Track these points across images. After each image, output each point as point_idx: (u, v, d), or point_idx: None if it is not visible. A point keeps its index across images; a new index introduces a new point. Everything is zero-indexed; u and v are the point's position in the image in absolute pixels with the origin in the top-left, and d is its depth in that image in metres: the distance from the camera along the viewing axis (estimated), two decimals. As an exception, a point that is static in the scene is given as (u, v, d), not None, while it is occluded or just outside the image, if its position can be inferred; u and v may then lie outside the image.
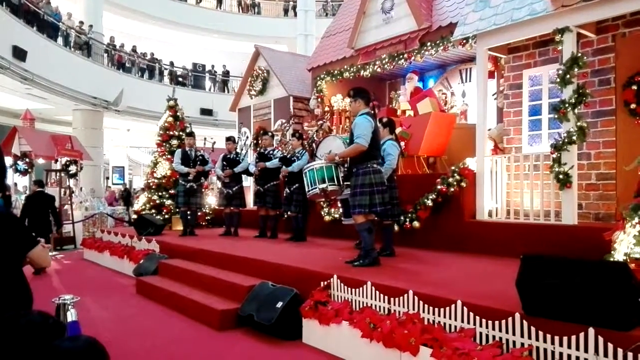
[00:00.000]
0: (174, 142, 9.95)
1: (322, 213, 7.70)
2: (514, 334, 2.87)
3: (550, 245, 4.85)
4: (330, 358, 3.85)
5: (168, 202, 9.72)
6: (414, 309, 3.47)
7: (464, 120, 8.67)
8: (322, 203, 7.64)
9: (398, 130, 6.76)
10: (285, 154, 7.51)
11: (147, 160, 18.89)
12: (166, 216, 9.67)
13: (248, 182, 9.32)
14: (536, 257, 2.91)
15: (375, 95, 9.03)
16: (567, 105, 4.93)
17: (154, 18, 21.18)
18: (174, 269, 6.34)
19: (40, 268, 2.35)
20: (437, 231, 6.04)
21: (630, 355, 2.38)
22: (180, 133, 10.01)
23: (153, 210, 9.68)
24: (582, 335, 2.56)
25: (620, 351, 2.42)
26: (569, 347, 2.61)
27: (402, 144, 6.79)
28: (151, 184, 9.97)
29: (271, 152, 7.73)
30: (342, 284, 4.13)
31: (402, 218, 6.08)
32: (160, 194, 9.84)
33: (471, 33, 6.01)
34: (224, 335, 4.49)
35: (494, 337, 2.96)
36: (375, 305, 3.78)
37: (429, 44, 7.58)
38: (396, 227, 6.02)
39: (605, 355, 2.47)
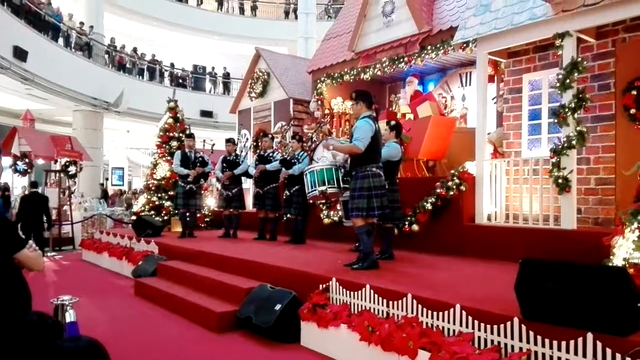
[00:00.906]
0: (174, 143, 9.95)
1: (322, 216, 7.70)
2: (512, 338, 2.87)
3: (549, 249, 4.84)
4: (329, 361, 3.85)
5: (167, 203, 9.71)
6: (412, 313, 3.46)
7: (464, 124, 8.68)
8: (321, 206, 7.64)
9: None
10: (286, 156, 7.51)
11: (146, 161, 18.90)
12: (165, 217, 9.66)
13: (248, 184, 9.32)
14: (535, 261, 2.91)
15: (376, 98, 9.03)
16: (566, 109, 4.94)
17: (154, 19, 21.21)
18: (173, 270, 6.33)
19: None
20: (436, 235, 6.04)
21: (628, 360, 2.38)
22: (180, 135, 10.00)
23: (152, 212, 9.67)
24: (580, 340, 2.56)
25: (618, 356, 2.42)
26: (568, 351, 2.61)
27: (402, 147, 6.79)
28: (150, 185, 9.97)
29: (271, 154, 7.73)
30: (340, 287, 4.13)
31: (401, 221, 6.08)
32: (159, 195, 9.84)
33: (471, 37, 6.02)
34: (222, 337, 4.48)
35: (492, 341, 2.96)
36: (374, 309, 3.78)
37: (429, 47, 7.59)
38: (395, 231, 6.01)
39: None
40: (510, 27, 5.46)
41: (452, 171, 6.04)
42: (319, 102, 9.77)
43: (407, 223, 6.15)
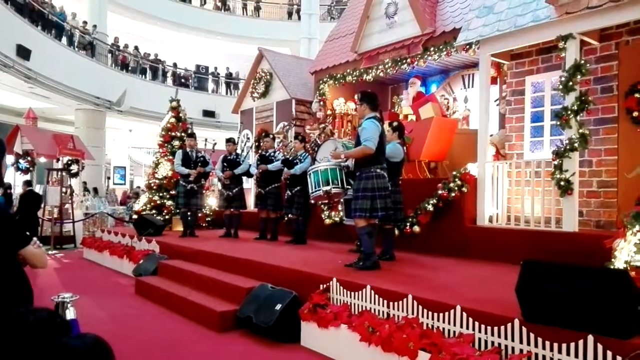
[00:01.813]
0: (176, 143, 9.96)
1: (323, 216, 7.70)
2: (513, 340, 2.86)
3: (550, 251, 4.83)
4: (328, 361, 3.84)
5: (169, 202, 9.72)
6: (413, 314, 3.46)
7: (466, 125, 8.67)
8: (323, 206, 7.64)
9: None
10: (287, 157, 7.52)
11: (148, 160, 18.91)
12: (166, 217, 9.67)
13: (249, 184, 9.32)
14: (536, 263, 2.90)
15: (378, 99, 9.03)
16: (569, 112, 4.93)
17: (158, 19, 21.23)
18: (174, 269, 6.33)
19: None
20: (437, 236, 6.03)
21: (629, 363, 2.38)
22: (182, 134, 10.01)
23: (154, 211, 9.68)
24: (581, 342, 2.56)
25: (619, 359, 2.42)
26: (568, 354, 2.60)
27: (404, 148, 6.79)
28: (152, 185, 9.98)
29: (273, 154, 7.74)
30: (341, 287, 4.12)
31: (403, 222, 6.08)
32: (161, 194, 9.85)
33: (474, 39, 6.02)
34: (222, 336, 4.48)
35: (492, 343, 2.96)
36: (374, 309, 3.77)
37: (432, 49, 7.58)
38: (397, 232, 6.01)
39: (605, 362, 2.47)
40: (514, 29, 5.45)
41: (454, 173, 6.03)
42: (321, 103, 9.77)
43: (408, 224, 6.15)
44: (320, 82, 9.84)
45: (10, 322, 1.45)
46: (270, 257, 5.58)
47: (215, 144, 10.37)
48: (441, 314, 3.28)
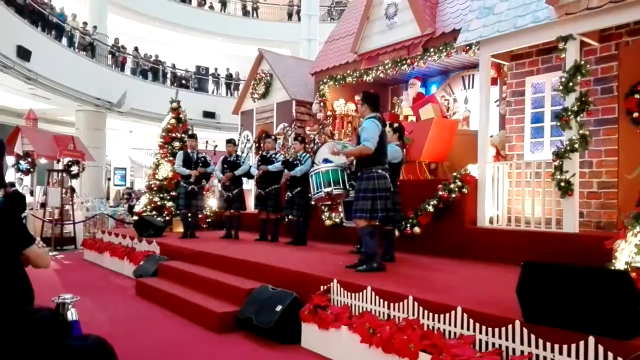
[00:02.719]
0: (176, 144, 9.96)
1: (323, 217, 7.70)
2: (513, 341, 2.86)
3: (551, 253, 4.83)
4: (329, 363, 3.84)
5: (169, 203, 9.72)
6: (413, 315, 3.45)
7: (466, 126, 8.67)
8: (323, 207, 7.64)
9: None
10: (288, 158, 7.52)
11: (149, 161, 18.93)
12: (167, 218, 9.67)
13: (249, 185, 9.32)
14: (537, 264, 2.90)
15: (380, 100, 9.04)
16: (569, 113, 4.93)
17: (158, 20, 21.25)
18: (174, 270, 6.33)
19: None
20: (437, 237, 6.03)
21: (630, 364, 2.37)
22: (183, 135, 10.02)
23: (154, 212, 9.69)
24: (582, 343, 2.55)
25: (620, 360, 2.42)
26: (569, 355, 2.60)
27: (404, 149, 6.79)
28: (153, 186, 9.98)
29: (273, 155, 7.74)
30: (341, 289, 4.12)
31: (402, 223, 6.07)
32: (161, 195, 9.85)
33: (474, 39, 6.02)
34: (223, 337, 4.48)
35: (493, 344, 2.95)
36: (375, 311, 3.77)
37: (432, 49, 7.58)
38: (397, 233, 6.00)
39: (605, 364, 2.46)
40: (514, 29, 5.46)
41: (454, 174, 6.03)
42: (322, 104, 9.78)
43: (408, 225, 6.14)
44: (321, 83, 9.85)
45: (13, 322, 1.45)
46: (271, 258, 5.58)
47: (216, 146, 10.37)
48: (442, 315, 3.27)
